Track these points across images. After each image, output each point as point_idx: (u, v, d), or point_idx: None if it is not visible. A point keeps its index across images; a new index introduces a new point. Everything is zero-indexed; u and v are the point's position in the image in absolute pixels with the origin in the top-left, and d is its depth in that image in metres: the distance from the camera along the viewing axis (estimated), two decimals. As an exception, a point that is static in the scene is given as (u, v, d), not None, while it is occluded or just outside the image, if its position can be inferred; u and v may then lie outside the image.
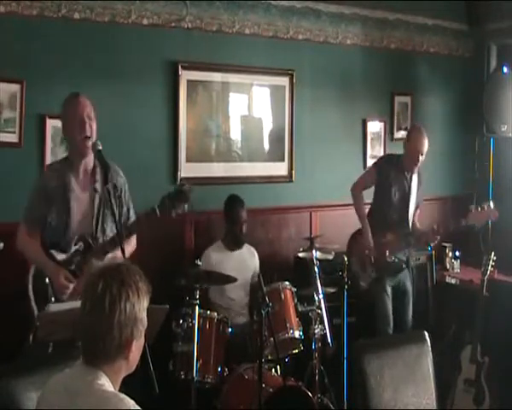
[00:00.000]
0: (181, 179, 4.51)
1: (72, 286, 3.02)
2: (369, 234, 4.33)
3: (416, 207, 4.44)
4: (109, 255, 3.04)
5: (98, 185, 3.11)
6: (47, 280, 3.04)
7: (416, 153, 4.27)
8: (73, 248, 3.08)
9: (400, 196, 4.33)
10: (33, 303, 3.05)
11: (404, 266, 4.33)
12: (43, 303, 2.99)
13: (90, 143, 3.04)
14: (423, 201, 4.57)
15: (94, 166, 3.15)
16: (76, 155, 3.14)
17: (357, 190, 4.48)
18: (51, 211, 3.10)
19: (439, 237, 4.26)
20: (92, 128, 3.08)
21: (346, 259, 4.04)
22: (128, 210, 3.28)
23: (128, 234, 3.10)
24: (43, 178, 3.22)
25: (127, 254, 2.97)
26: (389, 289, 4.31)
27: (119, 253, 2.86)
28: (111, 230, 3.12)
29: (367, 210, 4.49)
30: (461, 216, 4.24)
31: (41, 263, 3.10)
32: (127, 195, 3.28)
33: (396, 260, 4.29)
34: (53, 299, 3.03)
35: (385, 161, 4.52)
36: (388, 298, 4.30)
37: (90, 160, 3.13)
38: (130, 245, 3.21)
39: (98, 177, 3.12)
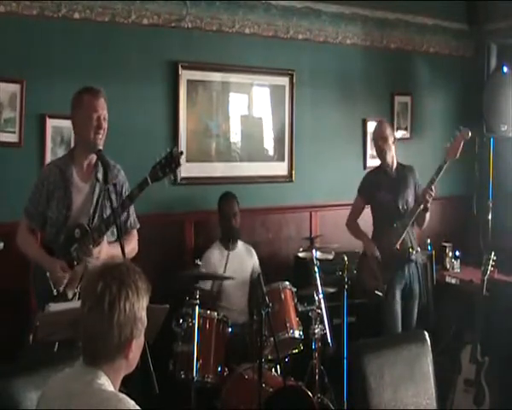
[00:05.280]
0: (181, 179, 4.51)
1: (67, 276, 3.03)
2: (370, 242, 4.34)
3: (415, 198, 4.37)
4: (105, 250, 3.04)
5: (100, 175, 3.11)
6: (48, 274, 3.06)
7: (375, 146, 4.42)
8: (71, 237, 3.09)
9: (390, 190, 4.31)
10: (36, 300, 3.06)
11: (410, 250, 4.25)
12: (46, 298, 2.98)
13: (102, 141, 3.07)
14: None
15: (96, 161, 3.15)
16: (83, 150, 3.14)
17: (350, 222, 4.51)
18: (51, 206, 3.12)
19: (432, 193, 4.15)
20: (105, 128, 3.10)
21: (345, 258, 4.04)
22: (128, 212, 3.26)
23: (124, 208, 3.09)
24: (43, 174, 3.21)
25: (129, 256, 2.98)
26: (398, 294, 4.26)
27: (118, 252, 2.86)
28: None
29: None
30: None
31: (38, 258, 3.14)
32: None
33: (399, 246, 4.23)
34: (55, 291, 3.04)
35: (365, 180, 4.54)
36: (398, 306, 4.25)
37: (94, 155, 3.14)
38: (130, 245, 3.21)
39: (100, 170, 3.12)
